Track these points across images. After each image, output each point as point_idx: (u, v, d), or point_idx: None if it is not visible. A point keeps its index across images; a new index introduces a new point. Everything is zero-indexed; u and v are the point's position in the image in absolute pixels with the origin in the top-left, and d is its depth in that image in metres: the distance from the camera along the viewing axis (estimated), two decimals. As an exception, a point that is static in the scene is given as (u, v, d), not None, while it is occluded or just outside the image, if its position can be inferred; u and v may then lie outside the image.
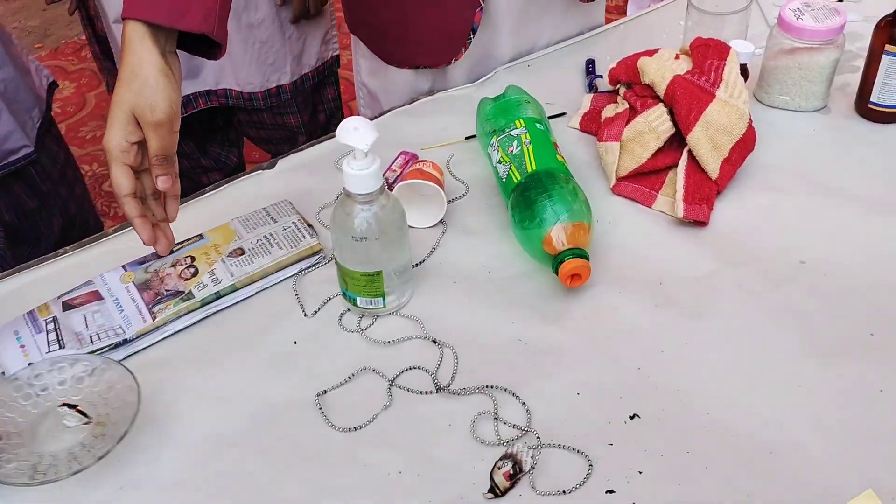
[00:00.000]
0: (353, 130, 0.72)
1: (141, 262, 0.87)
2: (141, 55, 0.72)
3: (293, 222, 0.91)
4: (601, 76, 1.09)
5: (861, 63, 1.01)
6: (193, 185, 1.59)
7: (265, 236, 0.89)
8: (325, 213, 0.94)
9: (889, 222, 0.86)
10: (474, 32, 1.08)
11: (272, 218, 0.92)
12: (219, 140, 1.67)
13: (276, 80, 1.49)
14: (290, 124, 1.60)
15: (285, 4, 1.41)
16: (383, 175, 0.98)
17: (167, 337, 0.82)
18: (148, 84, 0.72)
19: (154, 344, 0.81)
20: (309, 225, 0.92)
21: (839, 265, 0.83)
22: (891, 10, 0.94)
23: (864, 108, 0.99)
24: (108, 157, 0.74)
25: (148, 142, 0.74)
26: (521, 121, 0.92)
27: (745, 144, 0.91)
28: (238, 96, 1.49)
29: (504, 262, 0.87)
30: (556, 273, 0.80)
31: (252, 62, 1.45)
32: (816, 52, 0.97)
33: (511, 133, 0.91)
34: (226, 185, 1.00)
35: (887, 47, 0.93)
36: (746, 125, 0.90)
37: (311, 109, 1.60)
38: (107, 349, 0.80)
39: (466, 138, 1.03)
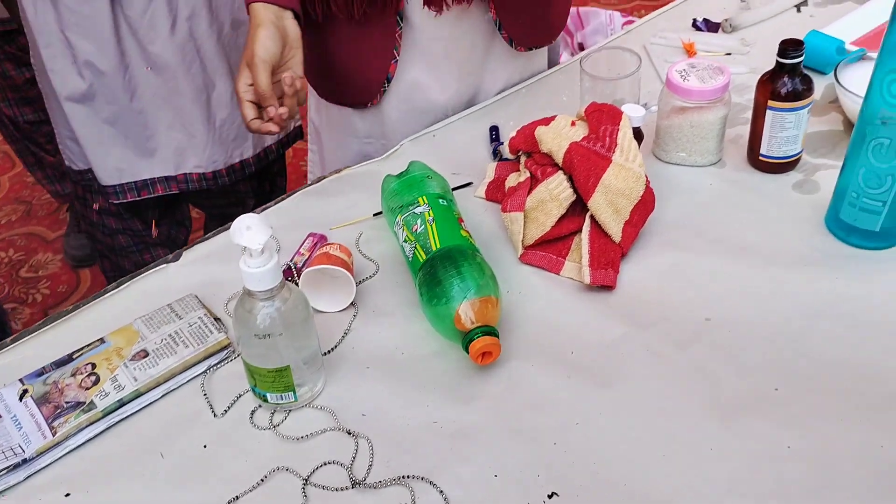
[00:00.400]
0: (245, 230, 0.71)
1: (39, 373, 0.84)
2: (254, 22, 0.98)
3: (199, 317, 0.89)
4: (503, 143, 1.10)
5: (750, 115, 1.05)
6: (134, 264, 1.57)
7: (170, 335, 0.87)
8: (233, 304, 0.92)
9: (786, 274, 0.89)
10: (389, 81, 1.15)
11: (177, 314, 0.89)
12: (169, 219, 1.64)
13: (240, 156, 1.50)
14: (239, 189, 1.59)
15: None
16: (291, 260, 0.97)
17: (69, 452, 0.78)
18: (249, 39, 0.97)
19: (56, 461, 0.78)
20: (216, 319, 0.90)
21: (741, 320, 0.84)
22: (770, 66, 0.98)
23: (756, 160, 1.03)
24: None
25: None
26: (424, 198, 0.92)
27: (645, 206, 0.93)
28: (200, 178, 1.48)
29: (417, 341, 0.87)
30: (467, 352, 0.80)
31: (215, 141, 1.46)
32: (705, 110, 1.01)
33: (415, 211, 0.91)
34: (129, 283, 0.97)
35: (770, 102, 0.97)
36: (644, 187, 0.92)
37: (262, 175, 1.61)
38: (5, 472, 0.75)
39: (374, 215, 1.03)
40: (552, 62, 1.33)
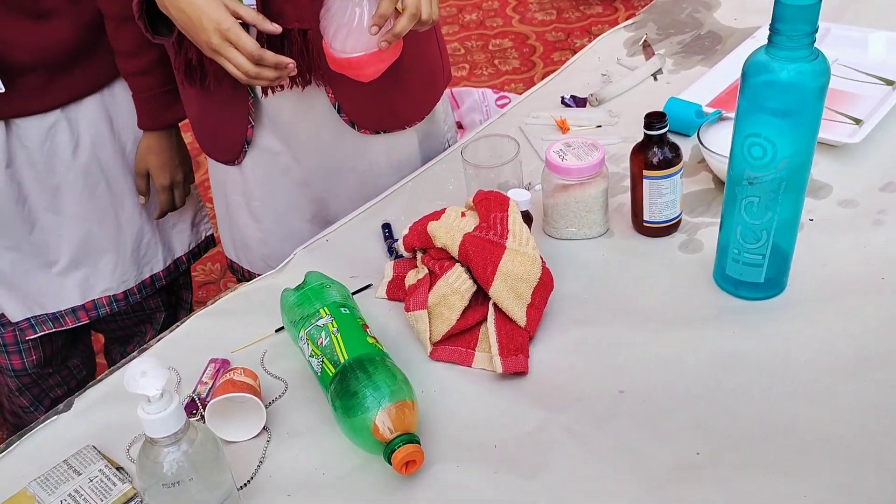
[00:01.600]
0: (140, 377, 0.67)
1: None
2: None
3: (100, 470, 0.83)
4: (398, 240, 1.11)
5: (629, 183, 1.09)
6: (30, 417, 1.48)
7: (70, 494, 0.81)
8: (136, 449, 0.87)
9: (687, 335, 0.91)
10: (248, 143, 1.22)
11: (75, 470, 0.83)
12: (71, 353, 1.54)
13: (150, 270, 1.46)
14: (148, 305, 1.53)
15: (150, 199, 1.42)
16: (194, 391, 0.92)
17: None
18: None
19: None
20: (119, 468, 0.84)
21: (653, 388, 0.86)
22: (638, 134, 1.03)
23: (641, 226, 1.07)
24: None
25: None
26: (326, 308, 0.90)
27: (545, 287, 0.94)
28: (111, 301, 1.43)
29: (337, 458, 0.84)
30: (390, 463, 0.77)
31: (125, 261, 1.41)
32: (587, 185, 1.04)
33: (317, 324, 0.89)
34: (18, 443, 0.90)
35: (645, 172, 1.01)
36: (541, 269, 0.94)
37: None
38: None
39: (276, 331, 1.00)
40: (437, 139, 1.35)
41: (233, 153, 1.24)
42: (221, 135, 1.24)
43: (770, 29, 0.80)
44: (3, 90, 1.20)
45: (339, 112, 1.18)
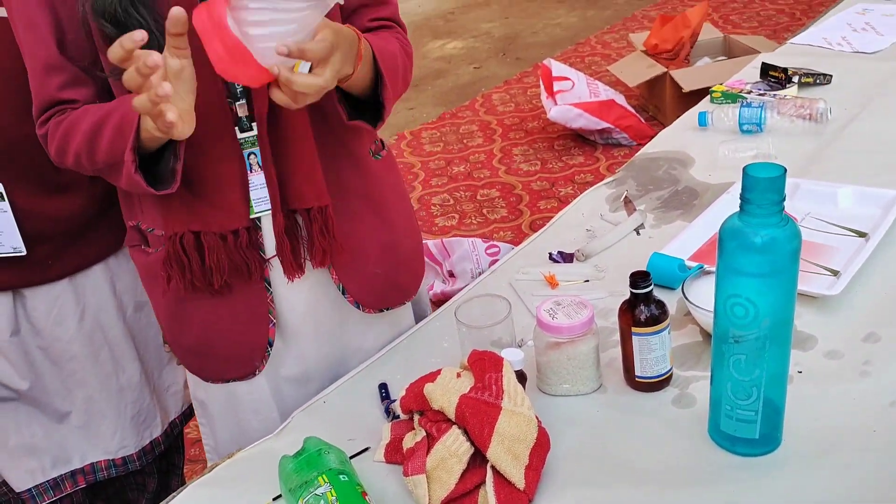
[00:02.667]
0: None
1: None
2: None
3: None
4: (395, 400, 1.12)
5: (618, 337, 1.12)
6: None
7: None
8: None
9: (685, 495, 0.91)
10: (271, 345, 1.16)
11: None
12: None
13: (150, 436, 1.45)
14: (143, 471, 1.51)
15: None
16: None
17: None
18: None
19: None
20: None
21: (656, 551, 0.85)
22: (624, 287, 1.07)
23: (633, 381, 1.09)
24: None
25: None
26: (324, 476, 0.90)
27: (541, 447, 0.95)
28: (109, 466, 1.41)
29: None
30: None
31: (126, 426, 1.41)
32: (578, 342, 1.07)
33: (316, 492, 0.89)
34: None
35: (634, 329, 1.05)
36: (537, 429, 0.95)
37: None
38: None
39: (274, 499, 0.99)
40: (420, 314, 1.38)
41: (251, 365, 1.17)
42: (237, 346, 1.16)
43: (741, 198, 0.85)
44: (24, 252, 1.23)
45: (343, 294, 1.18)
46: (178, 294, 1.12)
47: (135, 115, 0.93)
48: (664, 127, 3.80)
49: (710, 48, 4.00)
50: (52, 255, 1.28)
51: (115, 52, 0.84)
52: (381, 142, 1.26)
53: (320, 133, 1.11)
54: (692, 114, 1.87)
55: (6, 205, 1.21)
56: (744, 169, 0.84)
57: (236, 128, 1.06)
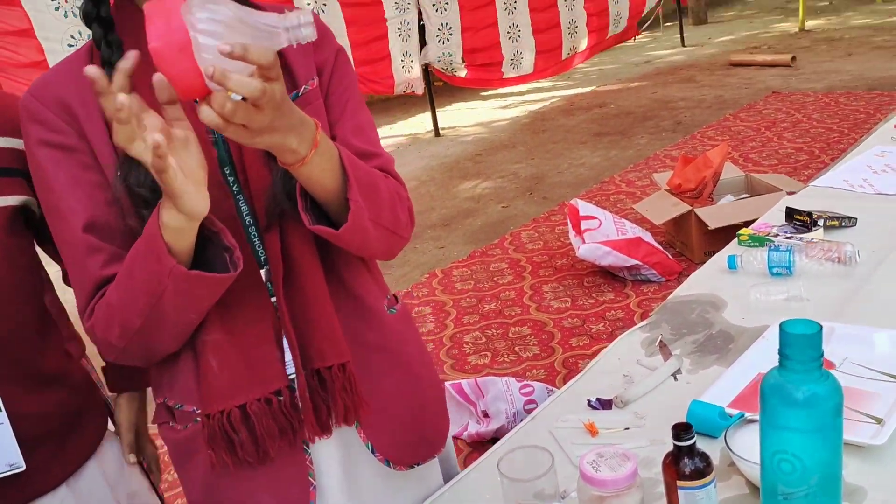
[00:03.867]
0: None
1: None
2: None
3: None
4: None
5: (662, 489, 1.11)
6: None
7: None
8: None
9: None
10: None
11: None
12: None
13: None
14: None
15: None
16: None
17: None
18: None
19: None
20: None
21: None
22: (665, 434, 1.07)
23: (681, 536, 1.07)
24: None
25: None
26: None
27: None
28: None
29: None
30: None
31: None
32: (622, 496, 1.06)
33: None
34: None
35: (679, 483, 1.04)
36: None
37: None
38: None
39: None
40: (448, 472, 1.36)
41: None
42: None
43: (779, 353, 0.87)
44: (23, 466, 1.15)
45: (373, 452, 1.17)
46: (217, 469, 1.08)
47: (154, 229, 0.93)
48: (692, 263, 3.87)
49: (733, 186, 4.11)
50: (51, 457, 1.24)
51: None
52: (395, 296, 1.28)
53: (335, 290, 1.13)
54: (721, 257, 1.91)
55: (3, 416, 1.14)
56: (780, 326, 0.86)
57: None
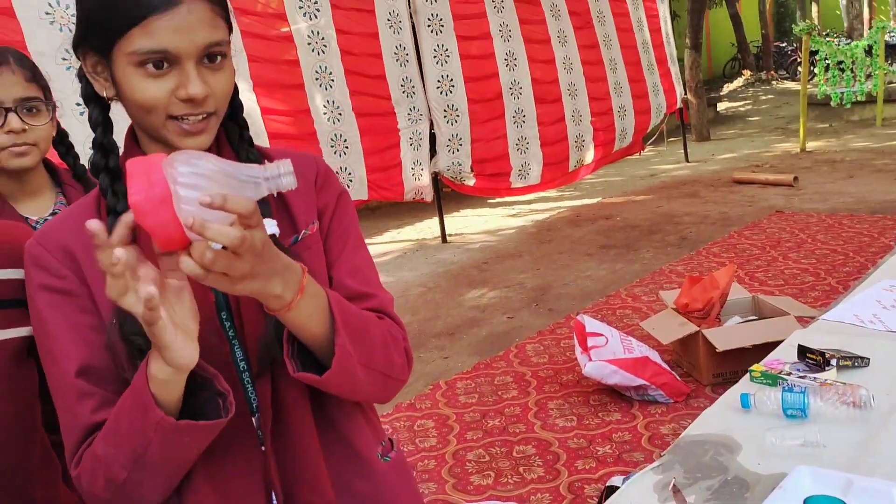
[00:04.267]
0: None
1: None
2: None
3: None
4: None
5: None
6: None
7: None
8: None
9: None
10: None
11: None
12: None
13: None
14: None
15: None
16: None
17: None
18: None
19: None
20: None
21: None
22: None
23: None
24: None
25: None
26: None
27: None
28: None
29: None
30: None
31: None
32: None
33: None
34: None
35: None
36: None
37: None
38: None
39: None
40: None
41: None
42: None
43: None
44: None
45: None
46: None
47: (141, 381, 0.94)
48: (700, 385, 3.82)
49: (740, 307, 4.12)
50: None
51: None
52: (391, 441, 1.26)
53: (326, 437, 1.13)
54: (733, 393, 1.89)
55: None
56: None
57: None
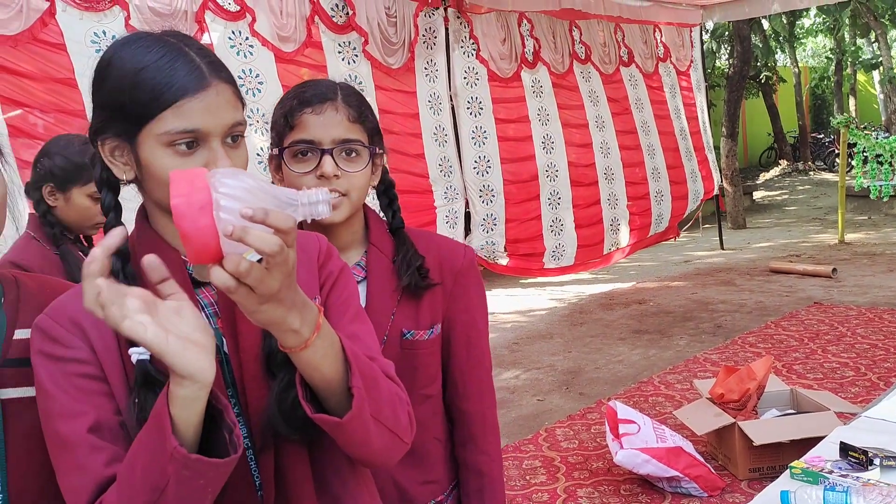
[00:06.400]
0: None
1: None
2: None
3: None
4: None
5: None
6: None
7: None
8: None
9: None
10: None
11: None
12: None
13: None
14: None
15: None
16: None
17: None
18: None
19: None
20: None
21: None
22: None
23: None
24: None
25: None
26: None
27: None
28: None
29: None
30: None
31: None
32: None
33: None
34: None
35: None
36: None
37: None
38: None
39: None
40: None
41: None
42: None
43: None
44: None
45: None
46: None
47: (161, 405, 0.93)
48: (735, 479, 3.70)
49: (778, 400, 4.01)
50: None
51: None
52: None
53: None
54: (773, 490, 1.83)
55: None
56: None
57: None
